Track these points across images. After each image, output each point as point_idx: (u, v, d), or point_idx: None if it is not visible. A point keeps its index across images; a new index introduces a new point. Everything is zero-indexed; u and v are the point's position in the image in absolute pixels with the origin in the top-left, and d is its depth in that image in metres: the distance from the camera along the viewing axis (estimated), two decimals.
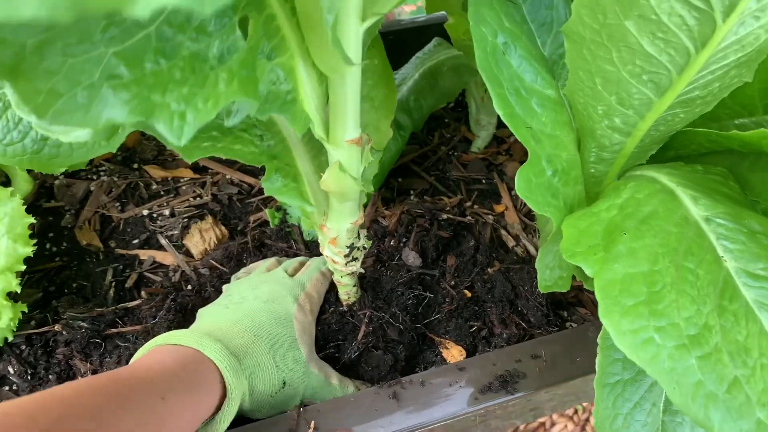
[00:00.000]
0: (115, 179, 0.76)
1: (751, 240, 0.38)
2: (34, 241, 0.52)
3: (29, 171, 0.71)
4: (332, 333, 0.57)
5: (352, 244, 0.54)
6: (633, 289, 0.35)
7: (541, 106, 0.42)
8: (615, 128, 0.43)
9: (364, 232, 0.55)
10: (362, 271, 0.58)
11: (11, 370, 0.57)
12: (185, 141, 0.28)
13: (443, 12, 0.80)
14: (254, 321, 0.50)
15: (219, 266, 0.65)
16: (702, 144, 0.46)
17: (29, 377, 0.57)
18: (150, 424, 0.36)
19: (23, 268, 0.51)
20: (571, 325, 0.59)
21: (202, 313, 0.54)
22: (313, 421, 0.48)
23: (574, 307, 0.62)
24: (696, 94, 0.41)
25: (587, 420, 1.27)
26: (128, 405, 0.35)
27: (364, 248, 0.56)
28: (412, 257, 0.64)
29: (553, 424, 1.26)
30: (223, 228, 0.70)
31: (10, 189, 0.51)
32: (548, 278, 0.45)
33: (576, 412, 1.28)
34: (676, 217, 0.40)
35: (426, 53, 0.71)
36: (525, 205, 0.73)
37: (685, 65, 0.38)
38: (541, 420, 1.27)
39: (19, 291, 0.52)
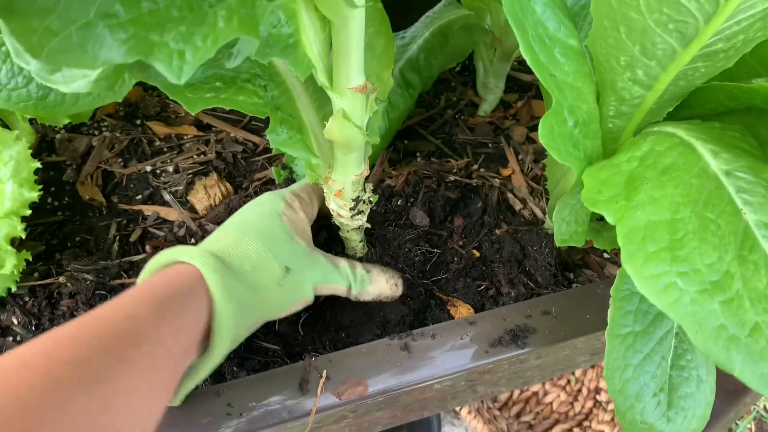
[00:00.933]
0: (118, 135, 0.74)
1: None
2: (40, 186, 0.51)
3: (31, 123, 0.70)
4: None
5: (358, 197, 0.53)
6: (656, 235, 0.35)
7: (563, 55, 0.41)
8: (637, 81, 0.43)
9: (369, 186, 0.55)
10: (368, 225, 0.58)
11: (15, 321, 0.57)
12: (185, 80, 0.28)
13: None
14: (239, 222, 0.50)
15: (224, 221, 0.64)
16: (721, 101, 0.46)
17: (33, 328, 0.56)
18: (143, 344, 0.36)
19: (29, 213, 0.50)
20: (577, 286, 0.60)
21: None
22: (324, 371, 0.48)
23: (581, 269, 0.62)
24: (719, 47, 0.41)
25: (579, 391, 1.30)
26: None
27: (370, 202, 0.55)
28: (419, 217, 0.64)
29: (545, 394, 1.29)
30: (228, 185, 0.69)
31: (15, 132, 0.50)
32: (564, 232, 0.45)
33: (569, 382, 1.30)
34: (696, 169, 0.40)
35: (436, 12, 0.70)
36: (532, 169, 0.73)
37: (713, 13, 0.37)
38: (534, 389, 1.29)
39: (24, 237, 0.51)
